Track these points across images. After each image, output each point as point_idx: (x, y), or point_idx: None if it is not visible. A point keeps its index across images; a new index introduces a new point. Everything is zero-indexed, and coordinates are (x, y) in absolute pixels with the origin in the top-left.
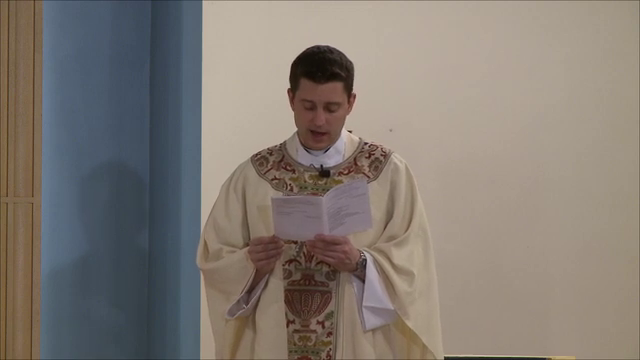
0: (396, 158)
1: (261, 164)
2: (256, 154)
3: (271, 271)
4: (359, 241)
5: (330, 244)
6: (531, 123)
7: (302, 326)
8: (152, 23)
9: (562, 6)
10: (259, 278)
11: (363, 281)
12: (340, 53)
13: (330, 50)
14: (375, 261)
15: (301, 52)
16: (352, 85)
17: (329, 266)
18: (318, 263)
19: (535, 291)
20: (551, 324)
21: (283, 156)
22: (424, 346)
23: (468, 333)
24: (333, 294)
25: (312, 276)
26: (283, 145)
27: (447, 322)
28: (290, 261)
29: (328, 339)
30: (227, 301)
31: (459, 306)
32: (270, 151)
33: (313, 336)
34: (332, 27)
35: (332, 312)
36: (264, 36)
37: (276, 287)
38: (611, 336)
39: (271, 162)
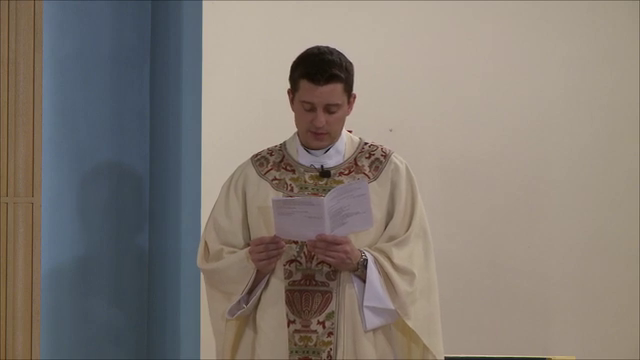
0: (396, 158)
1: (261, 164)
2: (256, 154)
3: (272, 271)
4: (360, 241)
5: (331, 244)
6: (531, 123)
7: (303, 326)
8: (152, 23)
9: (562, 6)
10: (260, 278)
11: (364, 281)
12: (340, 54)
13: (330, 51)
14: (376, 261)
15: (301, 53)
16: (352, 86)
17: (330, 266)
18: (319, 263)
19: (535, 291)
20: (551, 324)
21: (283, 156)
22: (425, 346)
23: (468, 333)
24: (334, 294)
25: (313, 276)
26: (283, 145)
27: (447, 322)
28: (291, 261)
29: (329, 339)
30: (228, 301)
31: (459, 306)
32: (270, 151)
33: (314, 336)
34: (332, 27)
35: (333, 312)
36: (264, 36)
37: (277, 287)
38: (611, 336)
39: (271, 162)
